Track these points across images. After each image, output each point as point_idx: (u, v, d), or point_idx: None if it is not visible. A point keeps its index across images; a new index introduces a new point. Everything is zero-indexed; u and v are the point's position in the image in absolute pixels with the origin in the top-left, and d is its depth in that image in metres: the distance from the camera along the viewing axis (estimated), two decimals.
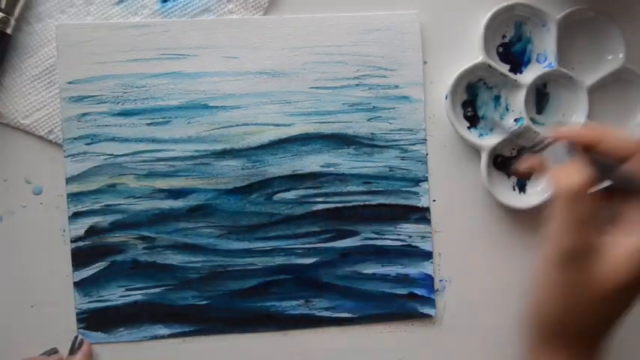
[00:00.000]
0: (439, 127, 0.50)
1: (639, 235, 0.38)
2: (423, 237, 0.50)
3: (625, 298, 0.38)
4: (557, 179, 0.39)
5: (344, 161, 0.49)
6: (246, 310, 0.49)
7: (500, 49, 0.51)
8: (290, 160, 0.49)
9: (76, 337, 0.48)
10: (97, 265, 0.48)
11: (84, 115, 0.48)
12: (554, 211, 0.38)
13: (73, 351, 0.47)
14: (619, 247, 0.38)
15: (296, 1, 0.50)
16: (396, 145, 0.50)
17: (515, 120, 0.50)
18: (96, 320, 0.48)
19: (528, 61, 0.51)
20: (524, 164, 0.45)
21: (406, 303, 0.50)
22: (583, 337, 0.39)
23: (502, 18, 0.50)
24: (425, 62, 0.50)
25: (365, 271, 0.49)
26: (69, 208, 0.48)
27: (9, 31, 0.47)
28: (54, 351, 0.47)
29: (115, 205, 0.48)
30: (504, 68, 0.50)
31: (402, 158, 0.50)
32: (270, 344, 0.49)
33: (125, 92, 0.48)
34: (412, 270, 0.50)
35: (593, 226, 0.38)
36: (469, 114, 0.50)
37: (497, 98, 0.50)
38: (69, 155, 0.48)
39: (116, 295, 0.48)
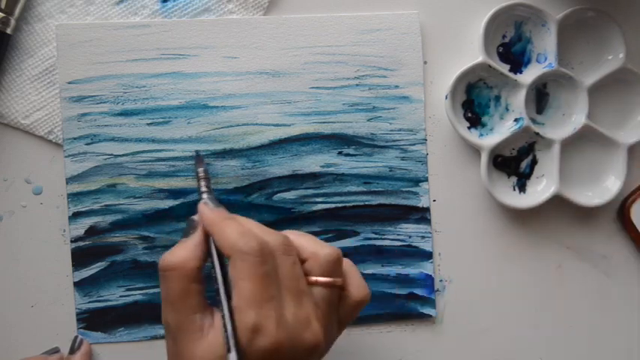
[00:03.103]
0: (439, 127, 0.50)
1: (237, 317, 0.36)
2: (423, 237, 0.50)
3: None
4: (160, 259, 0.38)
5: (344, 161, 0.49)
6: None
7: (500, 49, 0.51)
8: (290, 160, 0.49)
9: (76, 337, 0.48)
10: (96, 265, 0.48)
11: (84, 115, 0.48)
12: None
13: (72, 351, 0.47)
14: (217, 332, 0.36)
15: (296, 1, 0.50)
16: (396, 145, 0.50)
17: (515, 120, 0.50)
18: (96, 320, 0.48)
19: (528, 61, 0.51)
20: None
21: (406, 303, 0.50)
22: None
23: (502, 18, 0.50)
24: (425, 62, 0.50)
25: (365, 271, 0.49)
26: (69, 208, 0.48)
27: (9, 31, 0.47)
28: (55, 350, 0.47)
29: (115, 205, 0.48)
30: (504, 68, 0.50)
31: (402, 158, 0.50)
32: None
33: (125, 92, 0.48)
34: (412, 270, 0.50)
35: (185, 306, 0.36)
36: (469, 114, 0.50)
37: (497, 98, 0.50)
38: (69, 155, 0.48)
39: (116, 295, 0.48)
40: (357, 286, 0.40)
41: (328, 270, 0.38)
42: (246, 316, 0.35)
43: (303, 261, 0.39)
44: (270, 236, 0.38)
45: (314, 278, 0.38)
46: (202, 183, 0.42)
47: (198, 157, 0.46)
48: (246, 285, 0.36)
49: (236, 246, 0.36)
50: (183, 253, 0.38)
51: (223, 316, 0.36)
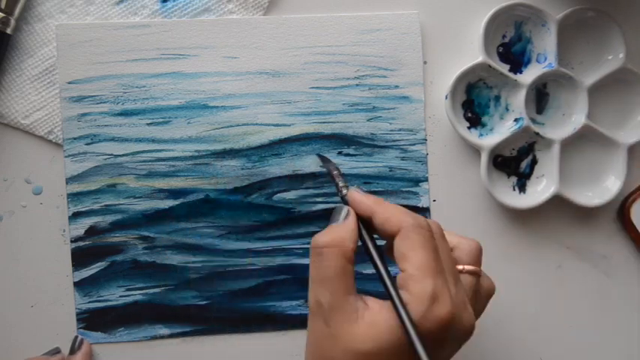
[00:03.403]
0: (439, 127, 0.50)
1: (408, 306, 0.35)
2: None
3: None
4: (313, 238, 0.38)
5: (344, 161, 0.49)
6: (246, 310, 0.49)
7: (500, 49, 0.51)
8: (290, 160, 0.49)
9: (76, 337, 0.48)
10: (96, 265, 0.48)
11: (84, 115, 0.48)
12: (310, 264, 0.37)
13: (73, 351, 0.47)
14: (379, 314, 0.35)
15: (296, 1, 0.50)
16: (396, 145, 0.50)
17: (515, 120, 0.50)
18: (96, 320, 0.48)
19: (528, 61, 0.51)
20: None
21: None
22: None
23: (502, 18, 0.50)
24: (425, 62, 0.50)
25: (365, 271, 0.49)
26: (69, 208, 0.48)
27: (9, 31, 0.47)
28: (56, 351, 0.47)
29: (115, 205, 0.48)
30: (504, 68, 0.50)
31: (402, 158, 0.50)
32: (270, 344, 0.49)
33: (125, 92, 0.48)
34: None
35: (335, 285, 0.36)
36: (469, 114, 0.50)
37: (497, 98, 0.50)
38: (69, 155, 0.48)
39: (116, 295, 0.48)
40: (488, 279, 0.41)
41: (473, 259, 0.40)
42: (425, 284, 0.35)
43: (450, 249, 0.39)
44: (429, 220, 0.38)
45: (461, 266, 0.39)
46: (340, 179, 0.42)
47: (323, 158, 0.46)
48: (421, 254, 0.35)
49: (406, 219, 0.36)
50: (340, 233, 0.37)
51: (389, 291, 0.36)
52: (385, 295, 0.36)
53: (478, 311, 0.40)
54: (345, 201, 0.40)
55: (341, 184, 0.41)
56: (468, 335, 0.37)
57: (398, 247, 0.36)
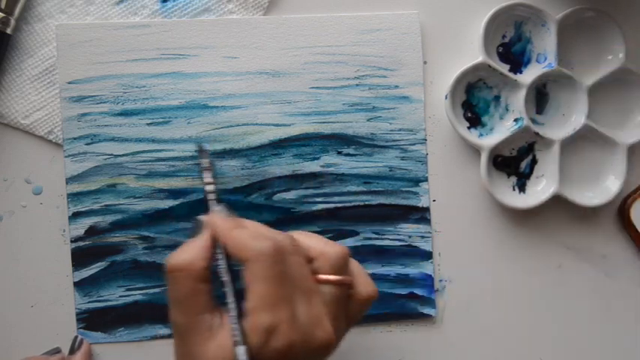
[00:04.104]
0: (439, 127, 0.50)
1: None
2: (423, 237, 0.50)
3: None
4: (168, 258, 0.38)
5: (344, 161, 0.49)
6: None
7: (500, 49, 0.51)
8: (290, 160, 0.49)
9: (76, 337, 0.48)
10: (96, 265, 0.48)
11: (84, 115, 0.48)
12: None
13: (72, 351, 0.47)
14: (226, 332, 0.36)
15: (296, 1, 0.50)
16: (396, 145, 0.50)
17: (515, 120, 0.50)
18: (96, 320, 0.48)
19: (528, 61, 0.51)
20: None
21: (406, 303, 0.50)
22: None
23: (502, 18, 0.50)
24: (425, 62, 0.50)
25: None
26: (69, 208, 0.48)
27: (9, 31, 0.47)
28: (56, 350, 0.47)
29: (115, 205, 0.48)
30: (504, 68, 0.50)
31: (402, 158, 0.50)
32: None
33: (125, 92, 0.48)
34: (412, 270, 0.50)
35: (193, 307, 0.36)
36: (469, 114, 0.50)
37: (497, 98, 0.50)
38: (69, 155, 0.48)
39: (116, 295, 0.48)
40: (365, 284, 0.40)
41: (337, 268, 0.38)
42: (261, 317, 0.35)
43: (310, 260, 0.39)
44: (279, 236, 0.38)
45: (324, 277, 0.38)
46: (207, 174, 0.42)
47: (201, 150, 0.45)
48: (261, 287, 0.35)
49: (250, 249, 0.36)
50: (190, 253, 0.37)
51: (232, 315, 0.36)
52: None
53: (352, 318, 0.40)
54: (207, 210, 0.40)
55: (211, 193, 0.41)
56: (325, 349, 0.37)
57: (245, 277, 0.36)
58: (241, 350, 0.35)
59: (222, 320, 0.37)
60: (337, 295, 0.38)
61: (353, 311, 0.40)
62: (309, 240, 0.40)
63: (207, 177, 0.42)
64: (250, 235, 0.37)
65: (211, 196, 0.41)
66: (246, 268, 0.36)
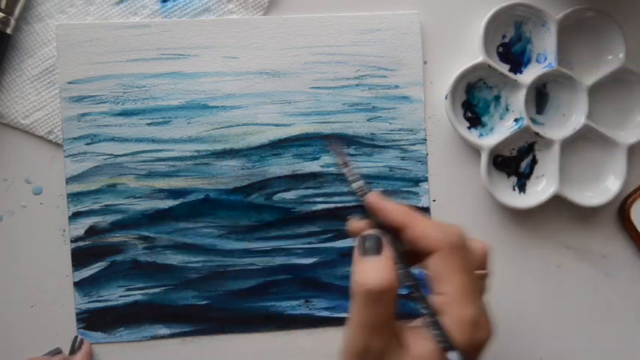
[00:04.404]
0: (439, 127, 0.50)
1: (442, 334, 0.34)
2: None
3: None
4: (360, 274, 0.35)
5: None
6: (246, 310, 0.49)
7: (500, 49, 0.51)
8: (290, 160, 0.49)
9: (76, 337, 0.48)
10: (96, 265, 0.48)
11: (84, 115, 0.48)
12: (352, 309, 0.35)
13: (73, 351, 0.47)
14: (421, 347, 0.34)
15: (296, 1, 0.50)
16: (396, 145, 0.50)
17: (515, 120, 0.50)
18: (96, 320, 0.48)
19: (528, 61, 0.51)
20: (352, 226, 0.39)
21: (406, 303, 0.50)
22: None
23: (502, 18, 0.50)
24: (425, 62, 0.50)
25: None
26: (69, 208, 0.48)
27: (9, 31, 0.47)
28: (57, 351, 0.47)
29: (115, 205, 0.48)
30: (504, 68, 0.50)
31: (402, 158, 0.50)
32: (270, 344, 0.49)
33: (125, 92, 0.48)
34: (412, 270, 0.49)
35: (392, 327, 0.35)
36: (469, 114, 0.50)
37: (497, 98, 0.50)
38: (69, 155, 0.48)
39: (116, 295, 0.48)
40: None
41: (485, 263, 0.38)
42: (466, 310, 0.34)
43: None
44: (461, 231, 0.36)
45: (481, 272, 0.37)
46: (346, 169, 0.39)
47: (334, 146, 0.43)
48: (461, 278, 0.34)
49: (444, 240, 0.35)
50: (388, 274, 0.35)
51: (432, 319, 0.34)
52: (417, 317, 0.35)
53: None
54: (364, 205, 0.38)
55: (357, 183, 0.38)
56: (487, 345, 0.36)
57: (434, 268, 0.35)
58: (454, 356, 0.33)
59: (402, 331, 0.35)
60: (483, 289, 0.38)
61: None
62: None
63: (348, 172, 0.39)
64: (435, 226, 0.36)
65: (360, 186, 0.38)
66: (439, 259, 0.35)
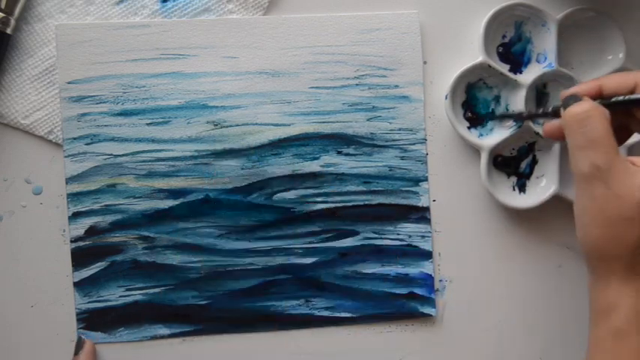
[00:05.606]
0: (439, 127, 0.50)
1: None
2: (423, 237, 0.50)
3: None
4: (566, 110, 0.40)
5: (344, 161, 0.49)
6: (246, 310, 0.49)
7: (500, 49, 0.51)
8: (290, 160, 0.49)
9: (79, 338, 0.48)
10: (96, 265, 0.48)
11: (84, 115, 0.48)
12: (568, 136, 0.40)
13: (77, 352, 0.47)
14: None
15: (296, 1, 0.50)
16: (396, 144, 0.50)
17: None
18: (96, 320, 0.48)
19: (528, 61, 0.51)
20: (546, 128, 0.45)
21: (406, 303, 0.50)
22: (626, 261, 0.38)
23: (502, 18, 0.50)
24: (425, 62, 0.50)
25: (365, 271, 0.49)
26: (69, 208, 0.48)
27: (9, 31, 0.47)
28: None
29: (115, 205, 0.48)
30: (504, 68, 0.50)
31: (402, 158, 0.50)
32: (270, 344, 0.49)
33: (125, 92, 0.48)
34: (412, 270, 0.50)
35: (606, 145, 0.38)
36: (469, 114, 0.50)
37: (497, 98, 0.50)
38: (69, 155, 0.48)
39: (116, 295, 0.48)
40: None
41: None
42: None
43: None
44: None
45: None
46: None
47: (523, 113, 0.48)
48: None
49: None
50: (588, 103, 0.40)
51: None
52: None
53: None
54: (559, 107, 0.42)
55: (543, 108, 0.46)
56: None
57: None
58: None
59: (629, 164, 0.38)
60: None
61: None
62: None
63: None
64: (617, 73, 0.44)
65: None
66: None
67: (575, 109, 0.39)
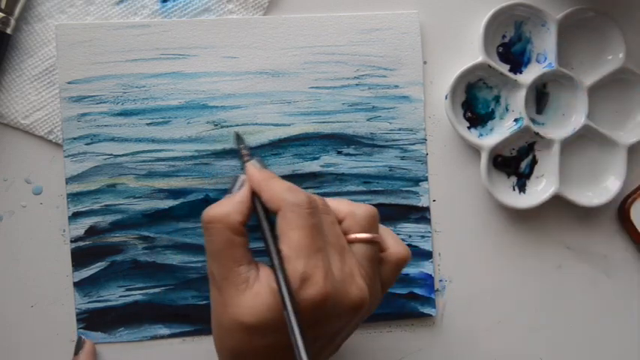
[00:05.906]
0: (439, 127, 0.50)
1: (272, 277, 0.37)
2: (423, 237, 0.50)
3: (269, 334, 0.36)
4: (207, 208, 0.38)
5: (344, 161, 0.49)
6: None
7: (500, 49, 0.51)
8: (290, 160, 0.49)
9: (79, 339, 0.48)
10: (96, 265, 0.48)
11: (84, 115, 0.48)
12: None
13: (77, 352, 0.47)
14: (266, 284, 0.36)
15: (296, 1, 0.50)
16: (396, 144, 0.50)
17: (515, 120, 0.50)
18: (96, 320, 0.48)
19: (528, 61, 0.51)
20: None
21: (406, 303, 0.50)
22: None
23: (502, 18, 0.50)
24: (425, 62, 0.50)
25: None
26: (69, 208, 0.48)
27: (9, 31, 0.47)
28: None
29: (115, 205, 0.48)
30: (504, 68, 0.50)
31: (402, 158, 0.50)
32: None
33: (125, 92, 0.48)
34: (412, 269, 0.50)
35: (230, 258, 0.37)
36: (469, 114, 0.50)
37: (497, 98, 0.50)
38: (69, 155, 0.48)
39: (116, 295, 0.48)
40: (396, 245, 0.40)
41: (366, 227, 0.39)
42: (296, 264, 0.35)
43: (340, 221, 0.39)
44: (312, 195, 0.39)
45: (353, 236, 0.39)
46: (245, 152, 0.43)
47: (238, 137, 0.46)
48: (296, 234, 0.36)
49: (286, 198, 0.37)
50: (227, 206, 0.38)
51: (274, 269, 0.36)
52: None
53: (386, 281, 0.40)
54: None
55: (245, 154, 0.42)
56: (357, 308, 0.37)
57: (278, 226, 0.37)
58: (285, 290, 0.35)
59: (258, 273, 0.37)
60: (369, 255, 0.39)
61: (386, 274, 0.40)
62: (338, 203, 0.40)
63: (241, 145, 0.43)
64: (286, 187, 0.38)
65: (245, 152, 0.42)
66: (281, 217, 0.37)
67: (205, 214, 0.38)
